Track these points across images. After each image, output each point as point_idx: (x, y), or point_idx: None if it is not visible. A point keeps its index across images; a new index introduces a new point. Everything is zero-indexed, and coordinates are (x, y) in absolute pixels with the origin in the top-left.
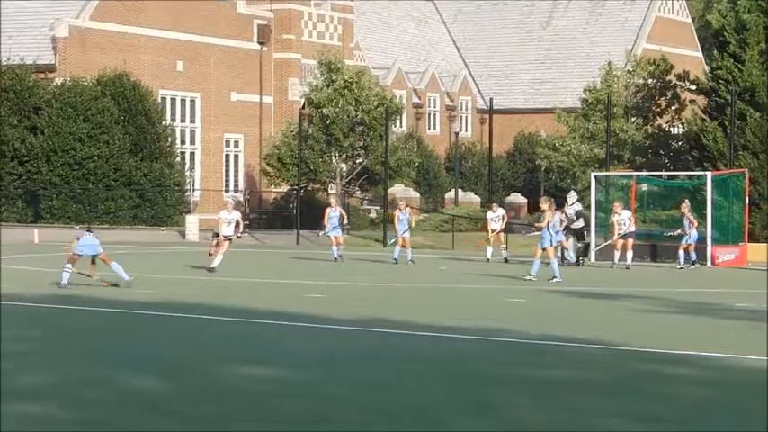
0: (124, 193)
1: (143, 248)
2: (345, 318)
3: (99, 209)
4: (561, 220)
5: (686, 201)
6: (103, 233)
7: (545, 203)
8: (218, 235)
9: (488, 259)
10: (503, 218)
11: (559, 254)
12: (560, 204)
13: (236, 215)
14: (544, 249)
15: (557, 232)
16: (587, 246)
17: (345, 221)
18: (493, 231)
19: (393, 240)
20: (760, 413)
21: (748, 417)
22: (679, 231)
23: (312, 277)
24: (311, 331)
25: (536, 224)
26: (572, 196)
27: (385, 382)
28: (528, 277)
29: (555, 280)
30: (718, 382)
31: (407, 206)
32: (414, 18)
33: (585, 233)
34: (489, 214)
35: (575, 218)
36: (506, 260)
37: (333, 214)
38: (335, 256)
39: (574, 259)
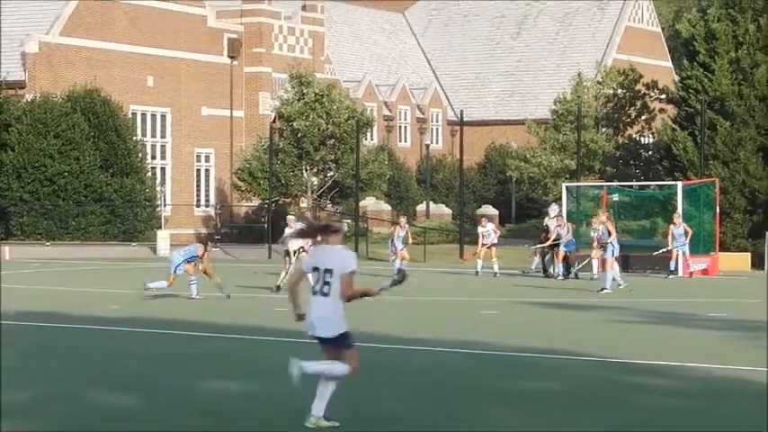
0: (95, 209)
1: (114, 264)
2: None
3: (70, 225)
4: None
5: (678, 211)
6: (74, 249)
7: (603, 215)
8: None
9: (477, 272)
10: (494, 232)
11: (540, 266)
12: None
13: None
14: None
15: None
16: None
17: None
18: (484, 246)
19: (393, 258)
20: (733, 421)
21: (721, 425)
22: (663, 250)
23: (283, 291)
24: (283, 345)
25: (601, 239)
26: (553, 209)
27: (358, 396)
28: (605, 291)
29: (605, 291)
30: (693, 392)
31: (407, 222)
32: (384, 30)
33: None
34: (480, 229)
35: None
36: (496, 275)
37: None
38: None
39: (562, 272)
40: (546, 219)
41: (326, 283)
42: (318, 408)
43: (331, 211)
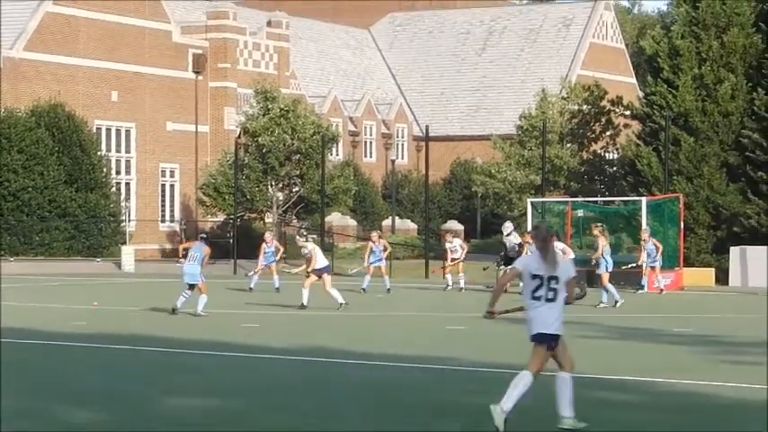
0: (59, 225)
1: (78, 280)
2: (283, 347)
3: (33, 240)
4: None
5: (647, 227)
6: (38, 265)
7: (595, 229)
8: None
9: (448, 286)
10: (461, 247)
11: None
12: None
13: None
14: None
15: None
16: None
17: (279, 255)
18: (453, 261)
19: (355, 270)
20: None
21: None
22: (632, 265)
23: (248, 307)
24: (248, 361)
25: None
26: (507, 227)
27: (324, 412)
28: (601, 305)
29: (602, 306)
30: (659, 407)
31: (380, 237)
32: (349, 46)
33: None
34: (447, 244)
35: (517, 248)
36: (461, 290)
37: (268, 249)
38: (276, 285)
39: None
40: (503, 237)
41: (552, 290)
42: (564, 408)
43: (296, 227)
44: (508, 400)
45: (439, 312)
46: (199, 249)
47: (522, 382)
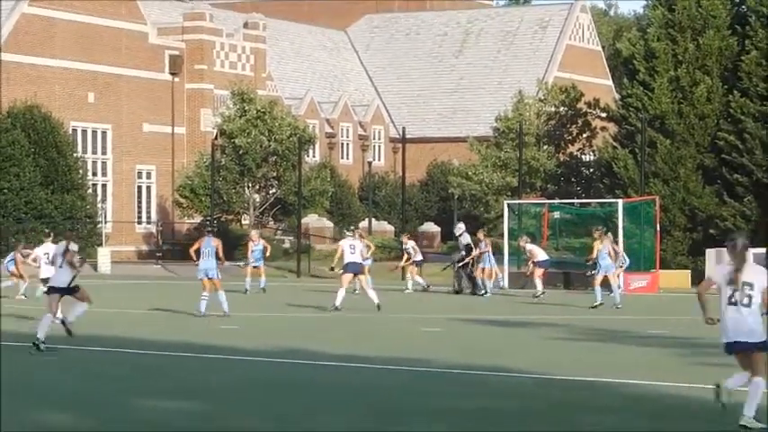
0: (35, 226)
1: None
2: (261, 349)
3: (9, 242)
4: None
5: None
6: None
7: (596, 233)
8: (333, 269)
9: (425, 287)
10: (413, 249)
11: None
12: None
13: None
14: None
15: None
16: (470, 277)
17: (268, 253)
18: (414, 262)
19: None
20: None
21: None
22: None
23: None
24: (226, 363)
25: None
26: (459, 228)
27: (299, 414)
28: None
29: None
30: (629, 409)
31: (362, 237)
32: (326, 48)
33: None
34: (405, 246)
35: (465, 249)
36: (406, 290)
37: (255, 248)
38: (247, 288)
39: (490, 288)
40: (456, 237)
41: (748, 296)
42: (749, 408)
43: (273, 228)
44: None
45: (414, 314)
46: (209, 244)
47: (759, 390)
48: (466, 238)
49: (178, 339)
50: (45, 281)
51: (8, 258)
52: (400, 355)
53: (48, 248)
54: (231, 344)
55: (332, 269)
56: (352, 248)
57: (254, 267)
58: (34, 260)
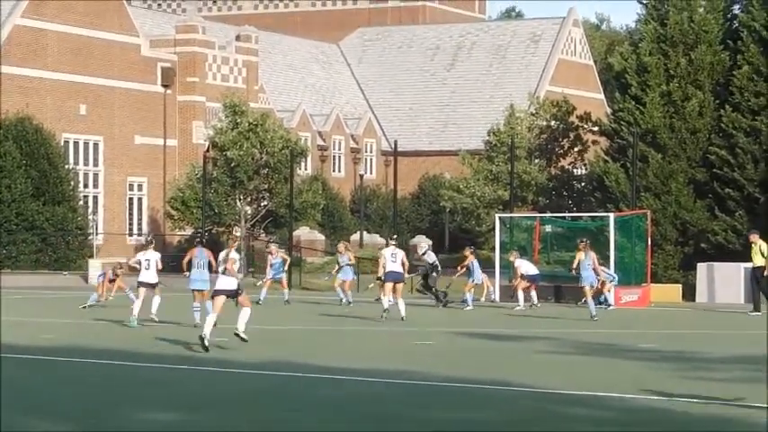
0: (26, 238)
1: (45, 293)
2: (250, 361)
3: (0, 253)
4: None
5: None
6: (5, 278)
7: (579, 244)
8: (380, 279)
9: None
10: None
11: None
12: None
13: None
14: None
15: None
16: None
17: (287, 266)
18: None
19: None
20: None
21: None
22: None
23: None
24: (215, 375)
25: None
26: (422, 247)
27: (287, 426)
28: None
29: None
30: (621, 423)
31: (347, 249)
32: (318, 61)
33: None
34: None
35: (430, 265)
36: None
37: (274, 261)
38: (260, 299)
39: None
40: (424, 255)
41: None
42: None
43: (265, 241)
44: None
45: (406, 327)
46: (202, 255)
47: None
48: (431, 257)
49: (169, 351)
50: (142, 284)
51: (99, 273)
52: (397, 368)
53: (149, 255)
54: (221, 356)
55: (378, 279)
56: (394, 257)
57: (275, 281)
58: (138, 263)
